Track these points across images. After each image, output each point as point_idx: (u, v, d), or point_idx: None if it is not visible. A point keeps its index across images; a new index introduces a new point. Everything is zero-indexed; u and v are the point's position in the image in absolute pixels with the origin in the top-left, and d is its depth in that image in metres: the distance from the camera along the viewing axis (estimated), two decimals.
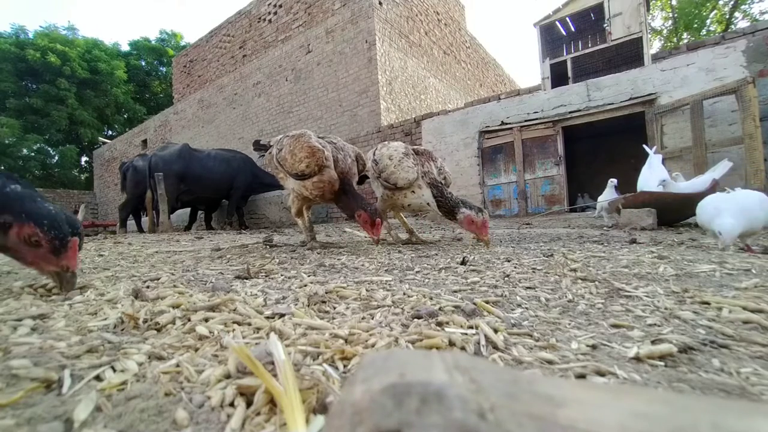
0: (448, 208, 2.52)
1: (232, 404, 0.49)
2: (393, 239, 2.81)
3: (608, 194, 4.41)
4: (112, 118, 25.15)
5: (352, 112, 9.43)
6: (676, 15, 17.30)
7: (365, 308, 0.95)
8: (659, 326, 0.79)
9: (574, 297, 1.04)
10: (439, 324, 0.80)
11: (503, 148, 7.52)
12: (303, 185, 2.43)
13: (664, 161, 4.56)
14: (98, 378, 0.58)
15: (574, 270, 1.38)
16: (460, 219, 2.45)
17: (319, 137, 2.48)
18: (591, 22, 8.40)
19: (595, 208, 4.68)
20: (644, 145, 4.38)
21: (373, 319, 0.87)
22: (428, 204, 2.61)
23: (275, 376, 0.49)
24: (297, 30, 10.68)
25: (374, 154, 2.82)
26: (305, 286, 1.22)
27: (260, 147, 2.96)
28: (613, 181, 4.50)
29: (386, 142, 2.90)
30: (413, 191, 2.62)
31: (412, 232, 2.92)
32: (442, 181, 2.73)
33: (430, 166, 2.72)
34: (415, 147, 2.85)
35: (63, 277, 1.12)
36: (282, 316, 0.87)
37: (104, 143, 20.20)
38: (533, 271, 1.41)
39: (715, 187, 3.56)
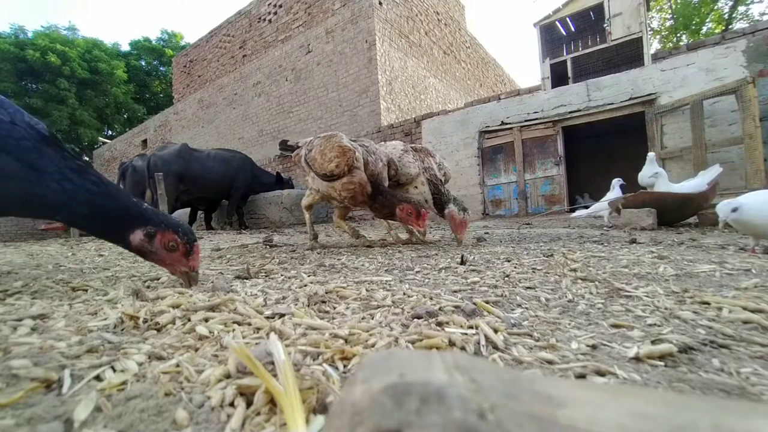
0: (441, 205, 2.56)
1: (232, 404, 0.49)
2: (393, 239, 2.81)
3: (615, 195, 4.35)
4: (112, 118, 25.15)
5: (352, 112, 9.43)
6: (675, 15, 17.31)
7: (365, 308, 0.95)
8: (659, 326, 0.79)
9: (574, 297, 1.04)
10: (439, 324, 0.80)
11: (503, 148, 7.52)
12: (332, 186, 2.36)
13: (664, 162, 4.56)
14: (98, 378, 0.58)
15: (574, 270, 1.38)
16: (445, 213, 2.51)
17: (351, 140, 2.45)
18: (591, 22, 8.39)
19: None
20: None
21: (373, 319, 0.87)
22: (426, 201, 2.62)
23: (275, 376, 0.49)
24: (297, 30, 10.68)
25: None
26: (305, 286, 1.22)
27: (287, 147, 2.90)
28: (618, 180, 4.42)
29: (384, 142, 2.92)
30: (416, 187, 2.63)
31: (412, 232, 2.93)
32: (442, 177, 2.74)
33: (430, 162, 2.74)
34: (413, 145, 2.87)
35: (190, 275, 1.30)
36: (282, 316, 0.87)
37: (104, 143, 20.21)
38: (533, 271, 1.41)
39: (715, 188, 3.57)
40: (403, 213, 2.30)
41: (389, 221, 2.99)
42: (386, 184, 2.51)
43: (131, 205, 1.27)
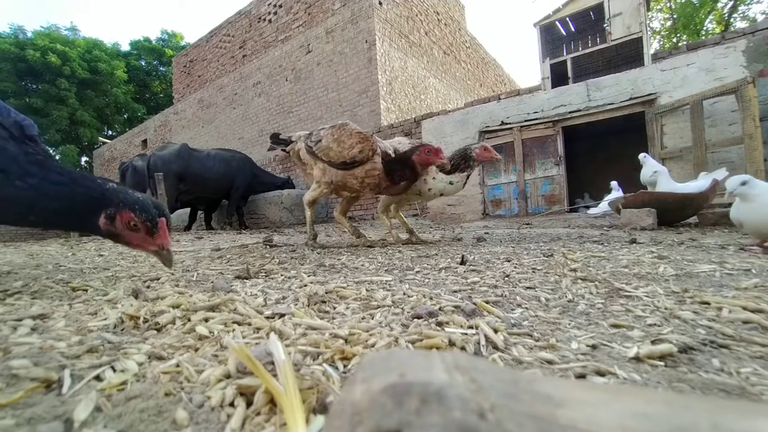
0: (460, 159, 2.62)
1: (232, 404, 0.49)
2: (393, 239, 2.81)
3: (618, 195, 4.43)
4: (112, 118, 25.15)
5: (352, 112, 9.43)
6: (675, 15, 17.32)
7: (365, 308, 0.95)
8: (659, 326, 0.79)
9: (574, 297, 1.04)
10: (439, 324, 0.80)
11: (503, 148, 7.51)
12: (351, 174, 2.33)
13: (664, 162, 4.58)
14: (98, 378, 0.58)
15: (574, 270, 1.38)
16: (474, 156, 2.61)
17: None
18: (591, 22, 8.39)
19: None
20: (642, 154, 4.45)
21: (373, 319, 0.87)
22: (450, 183, 2.66)
23: (275, 376, 0.49)
24: (297, 30, 10.68)
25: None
26: (305, 286, 1.22)
27: (279, 141, 2.86)
28: (614, 184, 4.52)
29: (381, 140, 2.95)
30: (433, 177, 2.68)
31: (412, 232, 2.93)
32: None
33: None
34: (412, 141, 2.91)
35: (161, 255, 1.24)
36: (282, 316, 0.87)
37: (104, 143, 20.20)
38: (533, 271, 1.41)
39: (715, 188, 3.57)
40: (422, 153, 2.34)
41: (390, 220, 2.99)
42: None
43: (94, 187, 1.21)
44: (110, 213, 1.19)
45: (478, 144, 2.69)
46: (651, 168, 4.10)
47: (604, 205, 4.35)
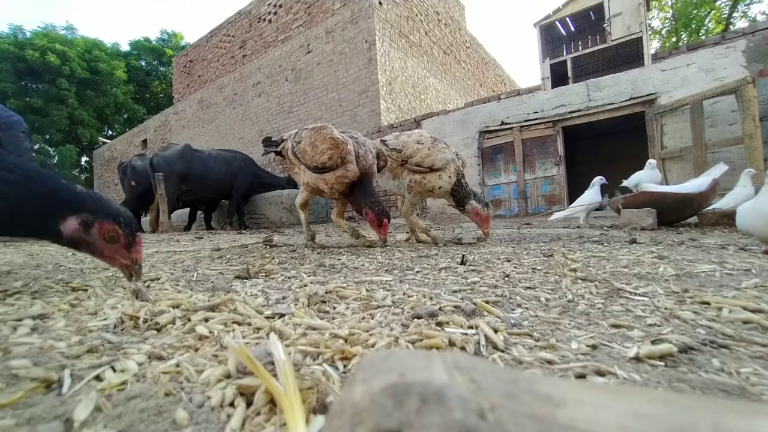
0: (459, 198, 2.59)
1: (232, 404, 0.49)
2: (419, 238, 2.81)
3: (594, 195, 4.15)
4: (112, 118, 25.17)
5: (352, 112, 9.44)
6: (675, 15, 17.34)
7: (365, 308, 0.95)
8: (659, 326, 0.79)
9: (574, 297, 1.04)
10: (439, 324, 0.80)
11: (503, 148, 7.52)
12: (323, 179, 2.34)
13: (664, 162, 4.56)
14: (98, 378, 0.58)
15: (574, 270, 1.38)
16: (468, 209, 2.57)
17: (340, 132, 2.43)
18: (591, 22, 8.40)
19: (597, 208, 4.54)
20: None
21: (373, 319, 0.87)
22: (447, 192, 2.62)
23: (275, 376, 0.49)
24: (297, 30, 10.69)
25: (389, 143, 2.80)
26: (305, 286, 1.22)
27: (270, 143, 2.82)
28: (600, 179, 4.29)
29: (401, 132, 2.91)
30: (450, 176, 2.62)
31: (412, 231, 2.93)
32: (460, 163, 2.75)
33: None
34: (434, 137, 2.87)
35: (132, 269, 1.20)
36: (282, 316, 0.87)
37: (104, 143, 20.22)
38: (533, 271, 1.41)
39: (716, 187, 3.57)
40: (366, 218, 2.37)
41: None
42: (375, 178, 2.52)
43: (61, 189, 1.11)
44: (88, 220, 1.11)
45: (482, 206, 2.54)
46: (633, 180, 4.05)
47: (578, 207, 4.19)
